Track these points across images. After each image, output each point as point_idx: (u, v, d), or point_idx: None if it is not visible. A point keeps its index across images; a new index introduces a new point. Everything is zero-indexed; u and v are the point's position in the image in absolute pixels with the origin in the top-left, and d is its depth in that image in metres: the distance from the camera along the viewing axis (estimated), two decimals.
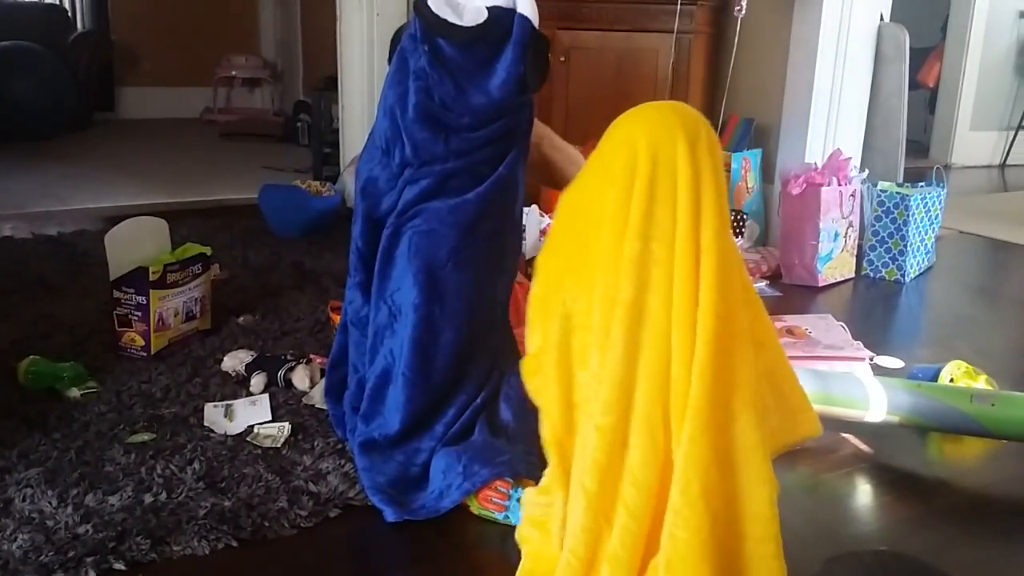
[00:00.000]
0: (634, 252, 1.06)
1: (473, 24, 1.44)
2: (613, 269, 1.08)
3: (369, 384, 1.53)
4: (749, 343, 1.07)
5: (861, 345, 2.09)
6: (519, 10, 1.45)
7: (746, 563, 1.03)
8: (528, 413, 1.27)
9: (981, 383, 1.86)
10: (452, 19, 1.44)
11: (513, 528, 1.30)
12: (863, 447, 1.71)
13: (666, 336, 1.05)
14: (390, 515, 1.38)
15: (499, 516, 1.38)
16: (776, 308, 2.55)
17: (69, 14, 6.04)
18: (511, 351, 1.58)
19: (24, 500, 1.36)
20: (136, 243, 2.01)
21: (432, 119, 1.46)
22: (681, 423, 1.03)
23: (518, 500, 1.34)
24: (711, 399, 1.02)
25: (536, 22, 1.47)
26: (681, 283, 1.04)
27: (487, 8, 1.45)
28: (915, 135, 5.20)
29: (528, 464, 1.38)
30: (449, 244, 1.46)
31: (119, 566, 1.22)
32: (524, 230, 2.30)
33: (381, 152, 1.50)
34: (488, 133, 1.47)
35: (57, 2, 6.05)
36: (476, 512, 1.40)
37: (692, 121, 1.09)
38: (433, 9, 1.44)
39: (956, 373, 1.87)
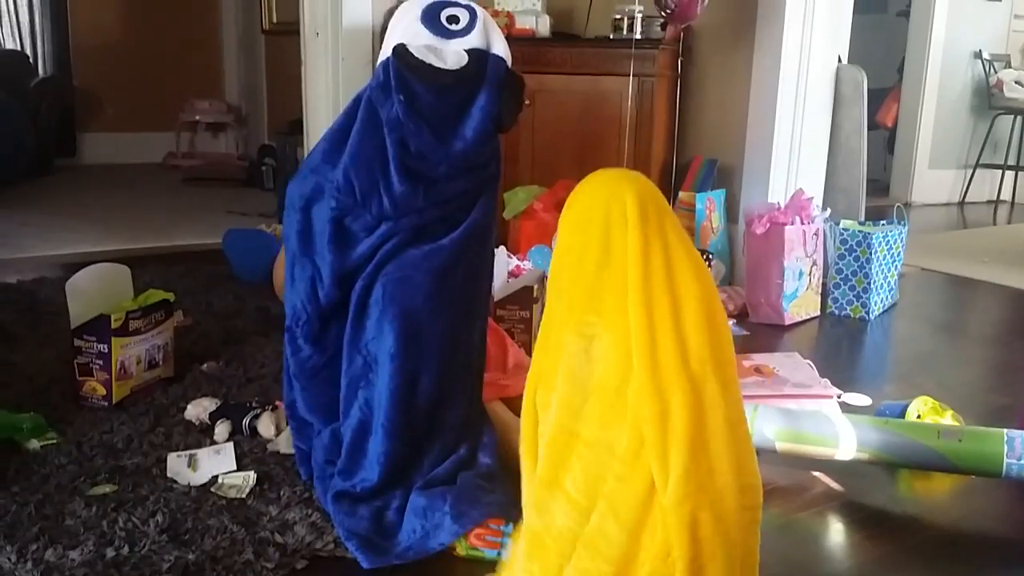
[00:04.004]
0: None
1: (457, 67, 1.46)
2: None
3: (347, 439, 1.50)
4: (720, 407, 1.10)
5: (828, 383, 2.10)
6: (493, 51, 1.48)
7: None
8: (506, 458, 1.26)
9: (948, 419, 1.87)
10: (437, 64, 1.45)
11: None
12: (834, 485, 1.71)
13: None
14: (366, 562, 1.35)
15: (492, 554, 1.35)
16: (743, 347, 2.55)
17: (30, 59, 6.00)
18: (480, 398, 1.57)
19: None
20: (97, 290, 1.97)
21: (409, 172, 1.47)
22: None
23: (511, 537, 1.30)
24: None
25: (510, 62, 1.50)
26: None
27: (466, 51, 1.47)
28: (875, 174, 5.28)
29: (518, 505, 1.36)
30: (424, 290, 1.45)
31: None
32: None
33: (354, 203, 1.49)
34: (464, 184, 1.49)
35: (18, 47, 6.01)
36: (463, 553, 1.37)
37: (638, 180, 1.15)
38: (416, 55, 1.46)
39: (923, 409, 1.89)
